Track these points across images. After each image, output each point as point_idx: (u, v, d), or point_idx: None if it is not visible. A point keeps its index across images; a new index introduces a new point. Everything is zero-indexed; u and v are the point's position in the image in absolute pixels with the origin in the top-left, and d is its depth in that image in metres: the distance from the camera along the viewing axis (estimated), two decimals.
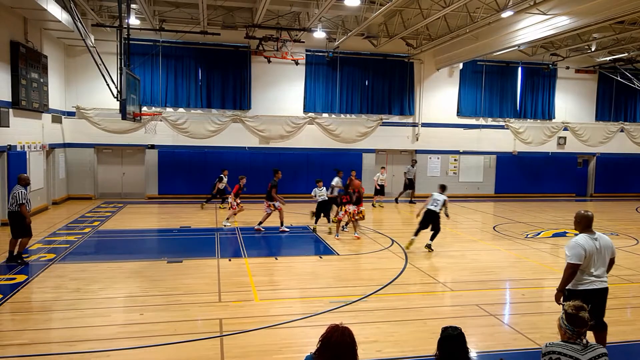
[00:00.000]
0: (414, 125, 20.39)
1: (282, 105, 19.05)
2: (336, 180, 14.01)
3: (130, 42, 13.75)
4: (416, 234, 10.68)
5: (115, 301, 7.09)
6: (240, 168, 16.37)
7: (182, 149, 18.16)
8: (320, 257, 10.16)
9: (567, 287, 5.10)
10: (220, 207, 16.23)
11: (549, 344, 3.43)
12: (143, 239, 12.02)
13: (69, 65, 17.14)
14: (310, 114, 19.26)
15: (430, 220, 10.59)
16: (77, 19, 12.59)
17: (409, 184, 19.00)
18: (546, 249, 11.44)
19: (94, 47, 14.19)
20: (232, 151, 18.46)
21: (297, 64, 18.59)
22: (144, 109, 16.82)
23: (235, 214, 13.46)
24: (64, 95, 16.92)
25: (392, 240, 11.62)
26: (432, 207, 10.61)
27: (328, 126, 19.45)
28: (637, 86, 21.35)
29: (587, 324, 3.39)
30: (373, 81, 19.84)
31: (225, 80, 18.48)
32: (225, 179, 16.00)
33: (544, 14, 13.05)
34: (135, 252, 10.29)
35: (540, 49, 19.60)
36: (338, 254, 10.29)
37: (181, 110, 18.23)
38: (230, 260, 9.50)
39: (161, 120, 17.79)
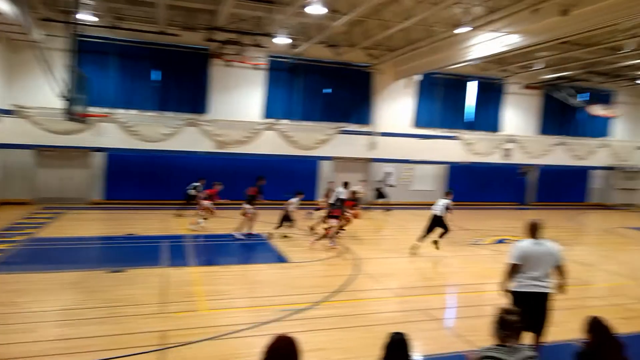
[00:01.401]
0: (372, 134, 20.66)
1: (241, 110, 18.82)
2: (339, 190, 14.52)
3: (82, 39, 13.17)
4: (422, 238, 11.35)
5: (48, 315, 6.58)
6: (195, 173, 15.87)
7: (134, 153, 17.53)
8: (273, 265, 10.04)
9: (512, 290, 5.44)
10: (178, 215, 15.34)
11: (484, 348, 3.55)
12: (84, 247, 11.31)
13: (11, 61, 16.15)
14: (269, 120, 19.13)
15: (436, 224, 11.37)
16: (22, 11, 11.89)
17: (380, 194, 19.44)
18: (488, 255, 11.88)
19: (41, 42, 13.49)
20: (187, 156, 18.03)
21: (258, 69, 18.44)
22: (94, 109, 16.10)
23: (205, 218, 13.35)
24: (1, 92, 15.88)
25: (346, 247, 11.65)
26: (435, 212, 11.45)
27: (287, 132, 19.40)
28: (574, 103, 22.61)
29: (515, 327, 3.52)
30: (334, 89, 20.00)
31: (182, 83, 18.06)
32: (199, 187, 14.89)
33: (497, 31, 13.59)
34: (74, 261, 9.63)
35: (492, 64, 20.42)
36: (290, 262, 10.21)
37: (133, 112, 17.60)
38: (177, 269, 9.19)
39: (111, 122, 17.11)
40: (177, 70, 17.94)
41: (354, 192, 13.99)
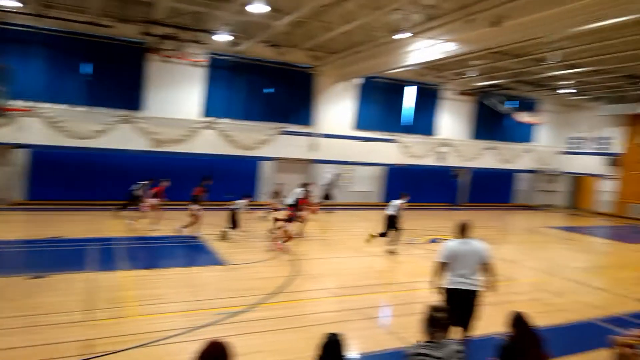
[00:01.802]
0: (313, 135, 20.77)
1: (179, 107, 18.23)
2: (297, 191, 14.46)
3: (5, 26, 12.13)
4: (382, 235, 12.05)
5: None
6: (129, 172, 15.23)
7: (61, 150, 16.44)
8: (210, 267, 9.81)
9: (443, 287, 5.74)
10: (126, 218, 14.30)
11: (415, 345, 3.66)
12: (0, 251, 10.37)
13: None
14: (209, 119, 18.69)
15: (390, 223, 12.02)
16: None
17: (327, 195, 19.42)
18: (422, 254, 12.31)
19: None
20: (121, 154, 17.18)
21: (197, 66, 17.94)
22: (17, 103, 14.95)
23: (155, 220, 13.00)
24: None
25: (286, 249, 11.61)
26: (389, 212, 12.18)
27: (227, 132, 19.05)
28: (503, 110, 23.99)
29: (443, 324, 3.66)
30: (275, 89, 19.87)
31: (116, 78, 17.16)
32: (145, 188, 14.15)
33: (434, 38, 14.10)
34: None
35: (429, 70, 21.18)
36: (229, 264, 10.04)
37: (61, 106, 16.50)
38: (107, 273, 8.73)
39: (36, 117, 15.96)
40: (110, 64, 17.04)
41: (308, 193, 14.09)
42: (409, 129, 22.87)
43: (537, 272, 11.25)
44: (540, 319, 7.64)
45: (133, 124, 17.47)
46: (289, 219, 11.74)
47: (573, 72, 18.63)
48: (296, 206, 12.41)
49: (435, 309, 3.79)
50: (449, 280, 5.71)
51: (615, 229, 20.91)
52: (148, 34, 16.44)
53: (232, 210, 12.33)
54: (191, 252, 11.49)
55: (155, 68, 17.64)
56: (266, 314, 7.11)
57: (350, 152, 21.47)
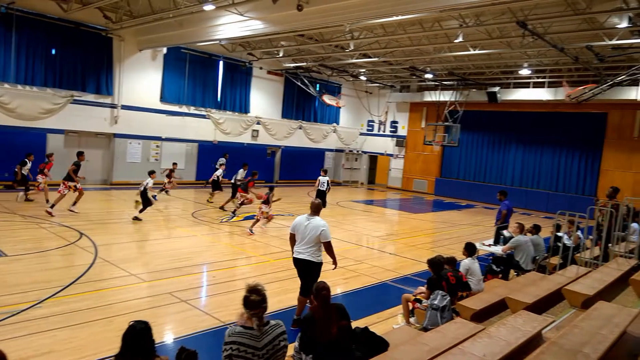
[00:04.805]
0: (113, 106, 18.64)
1: None
2: (240, 172, 16.09)
3: None
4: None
5: None
6: None
7: None
8: None
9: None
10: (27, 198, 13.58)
11: (231, 332, 3.36)
12: None
13: None
14: None
15: (321, 198, 14.06)
16: None
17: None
18: (238, 232, 12.33)
19: None
20: None
21: None
22: None
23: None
24: None
25: (81, 234, 10.24)
26: (320, 188, 15.15)
27: (0, 97, 15.66)
28: (311, 92, 25.55)
29: (259, 306, 3.40)
30: (62, 52, 16.99)
31: None
32: (29, 165, 13.89)
33: (242, 15, 13.85)
34: None
35: (239, 47, 21.00)
36: (5, 255, 8.36)
37: None
38: None
39: None
40: None
41: (255, 173, 14.43)
42: (221, 105, 22.45)
43: (342, 242, 12.30)
44: (344, 285, 8.46)
45: None
46: (266, 201, 12.18)
47: (367, 61, 20.76)
48: (246, 189, 13.48)
49: (251, 290, 3.45)
50: (294, 250, 6.26)
51: (404, 201, 24.42)
52: None
53: (143, 189, 12.19)
54: None
55: None
56: (59, 309, 6.12)
57: (157, 127, 20.02)
